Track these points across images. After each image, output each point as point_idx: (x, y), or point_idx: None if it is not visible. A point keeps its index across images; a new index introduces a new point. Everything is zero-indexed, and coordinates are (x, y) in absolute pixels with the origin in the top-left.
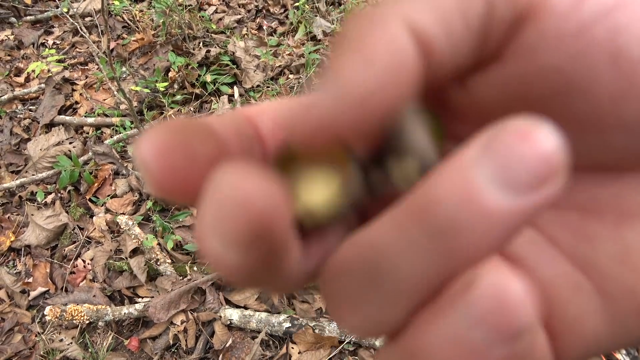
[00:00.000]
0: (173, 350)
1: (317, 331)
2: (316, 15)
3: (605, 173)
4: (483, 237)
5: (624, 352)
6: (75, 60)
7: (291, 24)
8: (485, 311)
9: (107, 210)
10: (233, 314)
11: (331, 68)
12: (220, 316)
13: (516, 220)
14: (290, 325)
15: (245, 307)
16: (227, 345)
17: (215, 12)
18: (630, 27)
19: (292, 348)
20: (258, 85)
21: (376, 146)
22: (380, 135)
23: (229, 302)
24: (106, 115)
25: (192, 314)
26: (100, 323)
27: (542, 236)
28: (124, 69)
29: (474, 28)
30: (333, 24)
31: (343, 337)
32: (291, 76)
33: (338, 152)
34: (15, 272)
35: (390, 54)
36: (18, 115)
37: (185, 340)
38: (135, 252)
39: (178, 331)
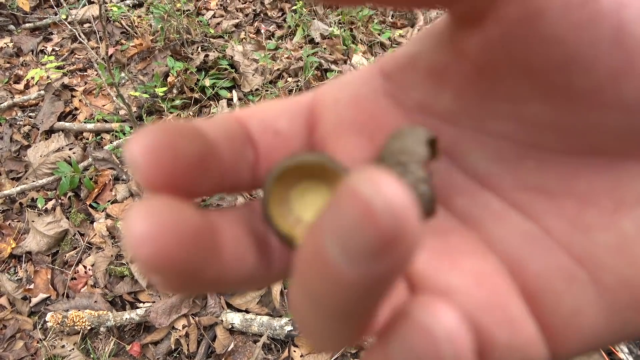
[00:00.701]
0: (175, 355)
1: None
2: (314, 19)
3: (602, 160)
4: (344, 299)
5: (626, 350)
6: (74, 66)
7: (289, 27)
8: (417, 347)
9: (108, 216)
10: (234, 318)
11: None
12: (222, 320)
13: (368, 284)
14: (292, 328)
15: (247, 311)
16: (229, 349)
17: (214, 16)
18: (635, 1)
19: (294, 351)
20: (257, 89)
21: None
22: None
23: (230, 306)
24: (105, 121)
25: (193, 318)
26: (101, 329)
27: (537, 227)
28: (122, 74)
29: None
30: (331, 26)
31: None
32: (290, 79)
33: (334, 170)
34: (16, 278)
35: None
36: (18, 122)
37: (187, 345)
38: None
39: (180, 336)
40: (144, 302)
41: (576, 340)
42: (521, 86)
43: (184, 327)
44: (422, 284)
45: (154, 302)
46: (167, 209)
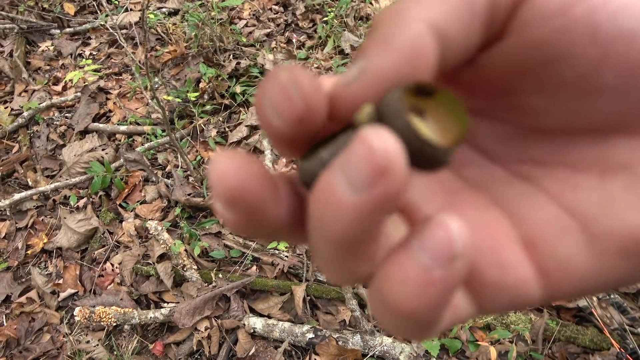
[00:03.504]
0: (196, 356)
1: (340, 343)
2: (344, 30)
3: (590, 136)
4: (345, 224)
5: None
6: (110, 70)
7: (320, 38)
8: (432, 242)
9: (136, 216)
10: (257, 323)
11: (361, 52)
12: (244, 324)
13: (365, 210)
14: (313, 336)
15: (269, 316)
16: (250, 353)
17: (246, 25)
18: (605, 6)
19: (315, 359)
20: None
21: None
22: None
23: (252, 311)
24: (138, 124)
25: (216, 320)
26: (126, 326)
27: (535, 187)
28: (156, 79)
29: (479, 15)
30: (361, 38)
31: (366, 351)
32: None
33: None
34: (46, 273)
35: (409, 44)
36: (55, 122)
37: (209, 347)
38: (162, 257)
39: (202, 337)
40: (168, 302)
41: (568, 284)
42: (520, 82)
43: (206, 329)
44: None
45: (178, 302)
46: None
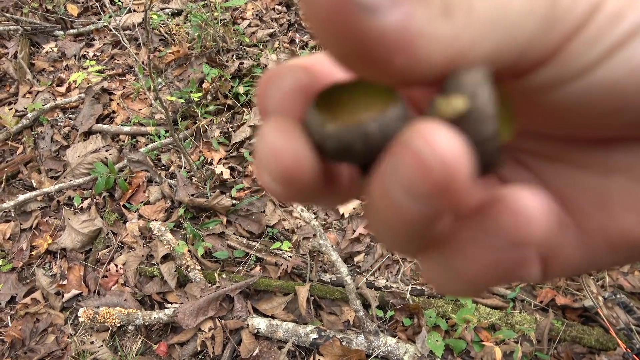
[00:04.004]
0: (200, 356)
1: (344, 343)
2: None
3: (596, 139)
4: (406, 227)
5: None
6: (114, 71)
7: None
8: (404, 167)
9: (140, 217)
10: (260, 323)
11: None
12: (248, 325)
13: (425, 219)
14: (317, 336)
15: (273, 317)
16: (254, 354)
17: (249, 26)
18: None
19: (319, 359)
20: None
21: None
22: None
23: (256, 311)
24: (141, 125)
25: (220, 321)
26: (130, 327)
27: (537, 179)
28: (159, 80)
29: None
30: None
31: (370, 351)
32: None
33: (385, 90)
34: (51, 274)
35: None
36: (59, 123)
37: (213, 348)
38: (166, 258)
39: (206, 338)
40: (172, 303)
41: (558, 268)
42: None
43: (210, 329)
44: None
45: (182, 303)
46: (292, 129)
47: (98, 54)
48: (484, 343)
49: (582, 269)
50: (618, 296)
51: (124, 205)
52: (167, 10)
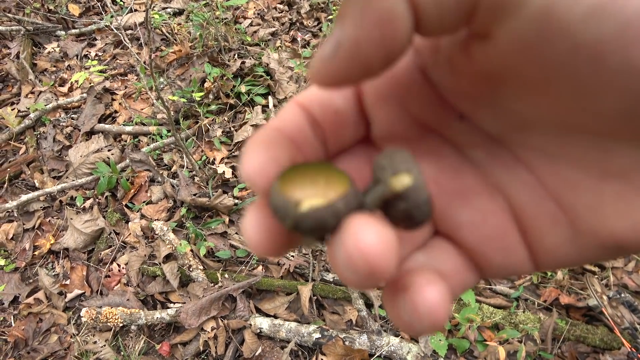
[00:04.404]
0: (203, 356)
1: (347, 343)
2: None
3: (594, 135)
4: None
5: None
6: (116, 71)
7: (325, 36)
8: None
9: (142, 216)
10: (263, 323)
11: (339, 18)
12: (250, 324)
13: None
14: (320, 336)
15: (275, 316)
16: (257, 354)
17: (251, 25)
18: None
19: (322, 359)
20: (291, 96)
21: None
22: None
23: (259, 311)
24: (143, 124)
25: (222, 321)
26: (132, 327)
27: (535, 179)
28: (161, 79)
29: (462, 6)
30: None
31: (373, 351)
32: None
33: (337, 171)
34: (53, 274)
35: (381, 15)
36: (61, 123)
37: (215, 347)
38: (168, 258)
39: (208, 338)
40: (174, 303)
41: (553, 263)
42: (510, 81)
43: (212, 329)
44: (439, 220)
45: (184, 302)
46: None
47: (100, 53)
48: (487, 342)
49: (572, 262)
50: (622, 295)
51: (126, 205)
52: (168, 10)
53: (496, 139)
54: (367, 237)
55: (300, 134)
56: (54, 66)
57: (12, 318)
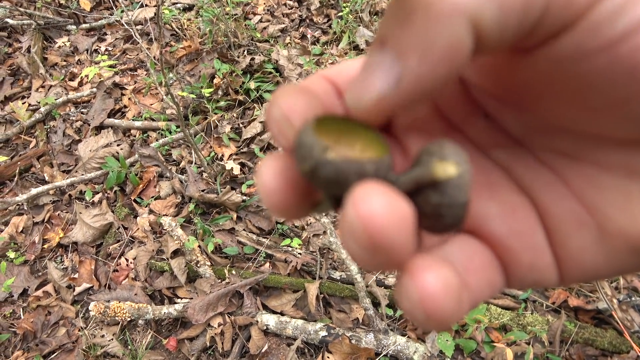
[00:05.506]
0: (209, 352)
1: (353, 341)
2: (359, 25)
3: (620, 141)
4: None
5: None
6: (125, 66)
7: (334, 33)
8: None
9: (151, 211)
10: (270, 320)
11: (391, 44)
12: (257, 321)
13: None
14: (326, 334)
15: (282, 314)
16: (263, 350)
17: (260, 21)
18: None
19: (328, 357)
20: None
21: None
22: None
23: (266, 308)
24: (152, 120)
25: (229, 317)
26: (140, 321)
27: (559, 180)
28: (171, 75)
29: (525, 25)
30: (375, 33)
31: (380, 350)
32: None
33: (379, 138)
34: (62, 267)
35: (448, 49)
36: (71, 118)
37: (222, 343)
38: (176, 253)
39: (215, 333)
40: (182, 298)
41: (580, 272)
42: (549, 91)
43: (219, 325)
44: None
45: (192, 298)
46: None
47: (110, 48)
48: (494, 344)
49: (603, 273)
50: (633, 299)
51: (134, 200)
52: (178, 5)
53: (518, 140)
54: (372, 204)
55: (328, 98)
56: (65, 60)
57: (21, 310)
